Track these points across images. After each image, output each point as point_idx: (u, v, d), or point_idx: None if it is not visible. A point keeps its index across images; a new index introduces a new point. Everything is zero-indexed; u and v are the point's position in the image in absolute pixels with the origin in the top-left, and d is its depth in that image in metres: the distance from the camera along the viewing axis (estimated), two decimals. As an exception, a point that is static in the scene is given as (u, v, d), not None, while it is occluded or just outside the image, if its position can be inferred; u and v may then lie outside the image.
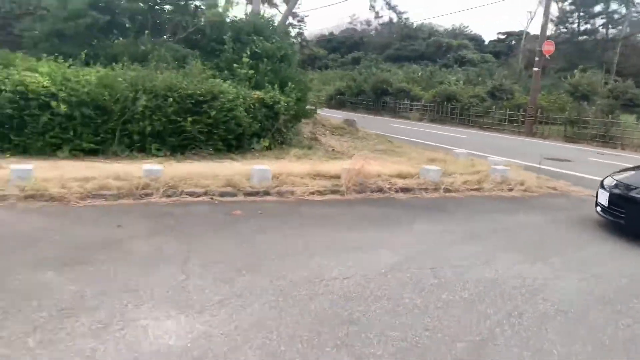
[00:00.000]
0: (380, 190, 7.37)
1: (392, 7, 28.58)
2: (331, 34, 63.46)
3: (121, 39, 10.82)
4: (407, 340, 3.00)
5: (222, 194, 6.39)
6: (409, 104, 30.29)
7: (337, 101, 37.35)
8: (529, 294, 3.85)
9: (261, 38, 10.79)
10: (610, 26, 43.04)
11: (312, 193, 6.86)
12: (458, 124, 25.33)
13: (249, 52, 10.46)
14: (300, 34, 34.61)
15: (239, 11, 19.56)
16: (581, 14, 43.70)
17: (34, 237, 4.46)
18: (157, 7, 11.47)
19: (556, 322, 3.42)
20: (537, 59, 21.60)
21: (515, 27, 54.97)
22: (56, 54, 8.83)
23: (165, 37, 11.48)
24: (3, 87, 7.42)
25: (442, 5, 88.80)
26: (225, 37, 10.54)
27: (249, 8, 19.80)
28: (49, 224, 4.85)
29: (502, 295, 3.79)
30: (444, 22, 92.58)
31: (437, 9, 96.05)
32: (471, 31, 59.94)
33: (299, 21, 32.15)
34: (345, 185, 7.20)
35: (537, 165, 9.59)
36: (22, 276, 3.58)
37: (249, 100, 9.39)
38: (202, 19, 11.51)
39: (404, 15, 51.15)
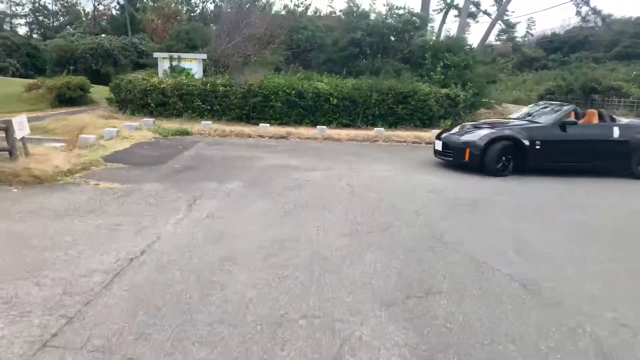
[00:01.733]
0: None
1: (596, 12, 29.17)
2: (554, 34, 62.44)
3: (364, 60, 17.51)
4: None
5: (413, 142, 12.18)
6: (617, 101, 30.73)
7: (546, 100, 38.93)
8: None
9: (451, 54, 16.13)
10: None
11: (464, 145, 12.05)
12: (665, 119, 25.53)
13: (442, 64, 15.92)
14: (512, 39, 37.43)
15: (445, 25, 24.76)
16: None
17: (335, 149, 10.94)
18: (385, 39, 17.84)
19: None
20: None
21: None
22: (330, 72, 15.83)
23: (389, 57, 17.72)
24: (309, 90, 14.53)
25: None
26: (426, 55, 16.23)
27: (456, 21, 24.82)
28: (333, 147, 11.34)
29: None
30: None
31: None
32: None
33: (510, 28, 35.17)
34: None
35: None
36: (335, 155, 9.91)
37: (438, 95, 14.87)
38: (412, 44, 17.39)
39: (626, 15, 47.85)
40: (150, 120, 12.67)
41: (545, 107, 9.61)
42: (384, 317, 3.12)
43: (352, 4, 17.64)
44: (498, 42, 59.17)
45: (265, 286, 3.52)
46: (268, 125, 13.16)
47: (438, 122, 14.93)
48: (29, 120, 7.95)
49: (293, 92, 14.30)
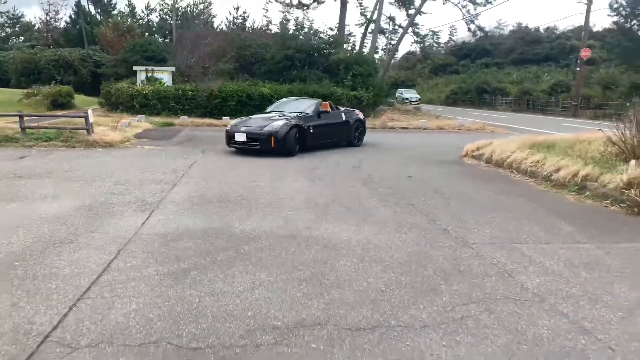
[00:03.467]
0: (392, 128, 18.14)
1: (481, 29, 36.76)
2: (464, 42, 71.47)
3: (295, 71, 23.12)
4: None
5: (329, 127, 18.00)
6: (501, 99, 38.49)
7: (451, 99, 46.59)
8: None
9: (358, 66, 22.16)
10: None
11: (363, 128, 18.06)
12: (529, 112, 33.24)
13: (351, 73, 21.89)
14: (423, 49, 44.41)
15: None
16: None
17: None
18: (311, 55, 23.59)
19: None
20: (578, 61, 28.89)
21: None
22: (271, 79, 21.37)
23: (313, 69, 23.46)
24: (256, 93, 19.90)
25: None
26: (340, 67, 22.16)
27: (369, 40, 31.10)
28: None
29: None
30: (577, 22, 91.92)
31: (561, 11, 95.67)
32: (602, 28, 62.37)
33: (420, 38, 41.93)
34: (378, 125, 18.16)
35: (515, 126, 19.16)
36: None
37: (348, 96, 20.78)
38: (330, 59, 23.28)
39: (526, 24, 56.97)
40: (142, 116, 17.61)
41: (291, 101, 12.87)
42: (299, 175, 8.70)
43: (285, 30, 23.39)
44: (417, 50, 67.19)
45: (255, 172, 9.00)
46: (229, 118, 18.47)
47: (349, 115, 20.84)
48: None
49: (244, 95, 19.68)
